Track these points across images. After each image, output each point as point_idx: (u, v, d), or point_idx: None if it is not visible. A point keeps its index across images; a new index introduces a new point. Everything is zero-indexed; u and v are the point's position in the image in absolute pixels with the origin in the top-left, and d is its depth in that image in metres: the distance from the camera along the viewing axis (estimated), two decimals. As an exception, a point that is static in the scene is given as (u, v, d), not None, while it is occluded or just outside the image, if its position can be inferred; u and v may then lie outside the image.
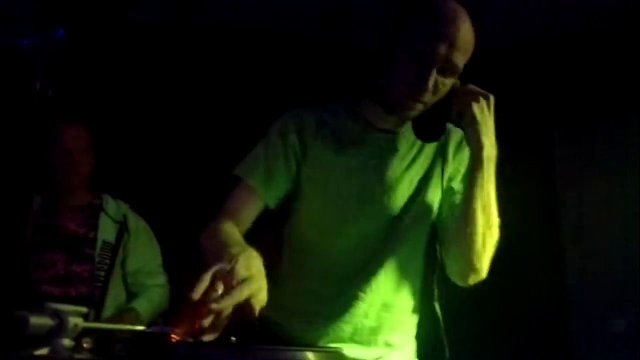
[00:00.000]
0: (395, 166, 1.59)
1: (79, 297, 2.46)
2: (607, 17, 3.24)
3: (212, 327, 1.09)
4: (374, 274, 1.58)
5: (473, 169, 1.48)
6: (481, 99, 1.46)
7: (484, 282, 1.56)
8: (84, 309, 1.14)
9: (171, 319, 1.22)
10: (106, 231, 2.60)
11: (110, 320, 2.45)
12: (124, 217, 2.66)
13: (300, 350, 1.02)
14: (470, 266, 1.53)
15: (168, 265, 2.80)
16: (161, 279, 2.73)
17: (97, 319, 2.44)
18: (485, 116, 1.45)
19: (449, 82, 1.49)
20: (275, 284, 1.62)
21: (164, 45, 3.19)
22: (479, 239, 1.49)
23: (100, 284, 2.54)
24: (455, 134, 1.63)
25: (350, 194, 1.57)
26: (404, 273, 1.61)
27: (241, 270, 1.13)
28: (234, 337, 1.13)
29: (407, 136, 1.59)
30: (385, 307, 1.60)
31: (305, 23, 3.40)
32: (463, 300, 1.64)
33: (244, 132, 3.21)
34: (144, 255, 2.71)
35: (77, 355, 1.06)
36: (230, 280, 1.11)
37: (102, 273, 2.54)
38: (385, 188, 1.58)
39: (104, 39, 3.01)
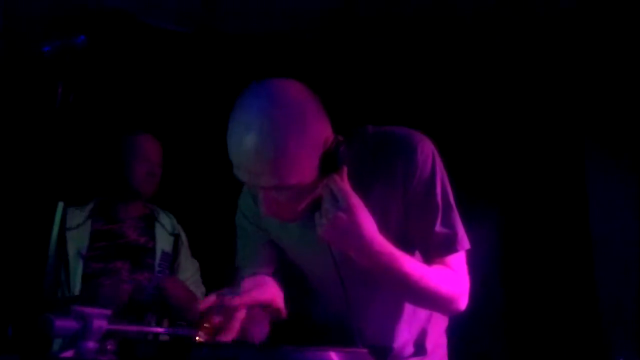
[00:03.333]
0: None
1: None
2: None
3: (227, 329, 1.24)
4: (365, 307, 1.53)
5: None
6: (323, 216, 1.29)
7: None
8: (108, 311, 1.14)
9: (194, 322, 1.25)
10: (163, 242, 2.65)
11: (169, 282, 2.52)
12: (178, 228, 2.73)
13: (324, 350, 1.01)
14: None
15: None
16: (203, 288, 2.76)
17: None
18: (337, 232, 1.28)
19: (301, 195, 1.32)
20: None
21: (186, 51, 3.18)
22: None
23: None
24: (402, 167, 1.44)
25: (304, 256, 1.60)
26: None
27: (245, 284, 1.34)
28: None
29: None
30: (391, 328, 1.58)
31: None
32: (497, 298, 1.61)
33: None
34: (191, 266, 2.76)
35: (101, 358, 1.07)
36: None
37: None
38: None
39: (124, 46, 3.02)
